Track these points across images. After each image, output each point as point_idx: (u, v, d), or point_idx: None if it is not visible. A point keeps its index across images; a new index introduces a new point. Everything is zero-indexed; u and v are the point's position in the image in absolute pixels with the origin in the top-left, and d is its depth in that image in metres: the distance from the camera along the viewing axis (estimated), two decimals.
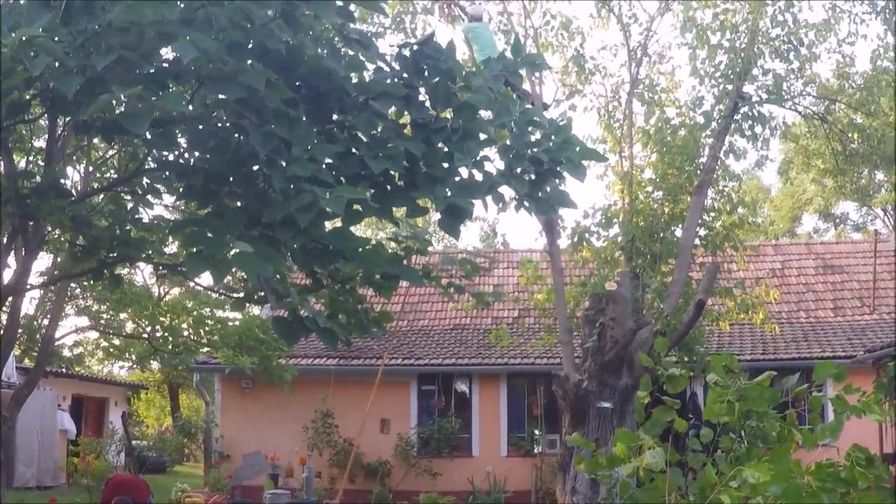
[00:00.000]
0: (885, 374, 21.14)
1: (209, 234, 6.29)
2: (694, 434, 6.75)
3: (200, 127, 6.98)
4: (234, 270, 7.00)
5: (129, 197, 10.05)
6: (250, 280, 7.65)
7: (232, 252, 6.13)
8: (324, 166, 6.64)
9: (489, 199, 7.60)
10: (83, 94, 5.86)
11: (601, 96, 24.52)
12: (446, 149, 7.26)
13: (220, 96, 6.46)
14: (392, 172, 7.13)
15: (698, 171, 22.11)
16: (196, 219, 6.94)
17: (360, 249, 7.12)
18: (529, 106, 20.66)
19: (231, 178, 7.00)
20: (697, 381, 24.88)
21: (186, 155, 7.64)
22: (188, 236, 6.33)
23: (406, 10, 23.48)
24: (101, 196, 11.30)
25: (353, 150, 6.99)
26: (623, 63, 24.81)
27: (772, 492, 5.62)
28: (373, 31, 17.20)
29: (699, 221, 22.34)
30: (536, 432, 31.70)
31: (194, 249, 6.26)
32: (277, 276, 8.42)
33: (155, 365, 47.83)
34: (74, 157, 15.13)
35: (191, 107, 6.84)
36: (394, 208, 7.43)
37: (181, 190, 7.48)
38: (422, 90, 7.49)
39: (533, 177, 7.51)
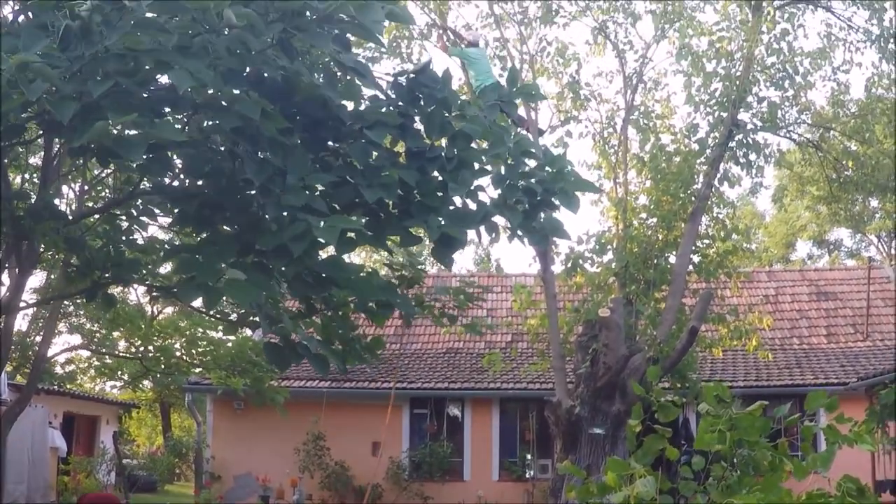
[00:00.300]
0: (878, 401, 21.25)
1: (202, 261, 6.31)
2: (686, 461, 6.76)
3: (195, 152, 6.99)
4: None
5: (123, 217, 10.07)
6: (242, 307, 7.66)
7: (224, 279, 6.15)
8: (318, 194, 6.66)
9: (482, 228, 7.62)
10: (79, 120, 5.88)
11: (596, 122, 24.60)
12: (441, 178, 7.27)
13: (216, 122, 6.48)
14: (386, 201, 7.14)
15: (693, 198, 22.13)
16: (189, 245, 6.95)
17: (353, 278, 7.14)
18: (524, 132, 20.79)
19: (225, 205, 7.01)
20: (690, 407, 24.90)
21: (180, 181, 7.66)
22: (181, 263, 6.35)
23: (402, 35, 23.53)
24: (96, 216, 11.31)
25: (348, 179, 7.00)
26: (618, 90, 24.85)
27: None
28: (369, 55, 17.21)
29: (693, 248, 22.37)
30: (528, 457, 31.65)
31: (187, 276, 6.28)
32: (270, 302, 8.42)
33: (147, 384, 47.72)
34: (70, 177, 15.14)
35: (186, 131, 6.86)
36: (388, 237, 7.44)
37: (175, 215, 7.49)
38: (417, 119, 7.50)
39: (527, 207, 7.52)
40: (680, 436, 26.00)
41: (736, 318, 24.49)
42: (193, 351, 26.15)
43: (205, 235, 7.06)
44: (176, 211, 7.49)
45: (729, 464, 6.53)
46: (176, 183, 7.71)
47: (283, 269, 6.61)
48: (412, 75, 7.64)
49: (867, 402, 25.77)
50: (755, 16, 22.56)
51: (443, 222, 7.16)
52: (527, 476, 31.31)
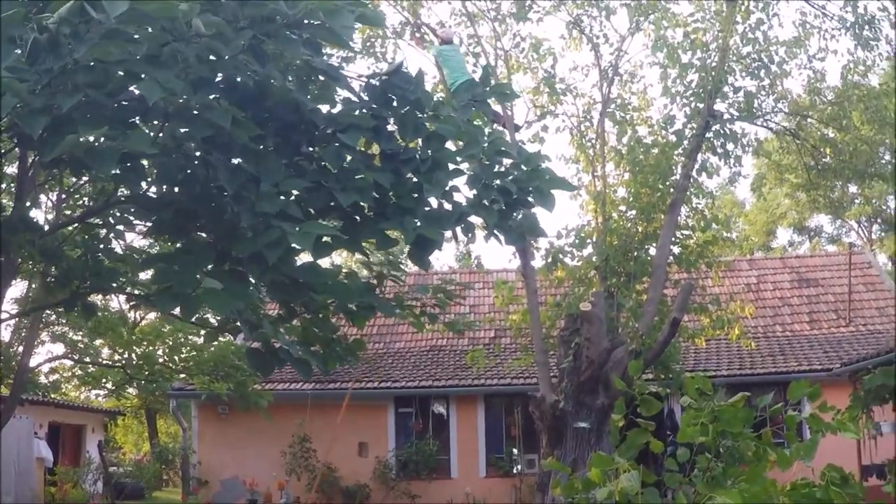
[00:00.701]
0: (862, 386, 21.34)
1: (178, 270, 6.29)
2: (671, 452, 6.76)
3: (168, 160, 6.96)
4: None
5: (101, 226, 10.04)
6: (220, 315, 7.64)
7: (201, 288, 6.13)
8: (292, 200, 6.64)
9: (459, 228, 7.62)
10: (50, 133, 5.86)
11: (573, 116, 24.57)
12: (415, 179, 7.26)
13: (188, 131, 6.46)
14: (361, 204, 7.13)
15: (671, 190, 22.16)
16: (165, 254, 6.94)
17: (330, 283, 7.12)
18: (500, 128, 20.76)
19: (200, 213, 6.99)
20: (675, 397, 24.94)
21: (155, 189, 7.63)
22: (158, 272, 6.34)
23: (376, 34, 23.49)
24: (74, 226, 11.28)
25: (323, 183, 6.98)
26: (594, 83, 24.82)
27: None
28: (343, 55, 17.16)
29: (673, 239, 22.39)
30: (515, 452, 31.66)
31: (164, 286, 6.26)
32: (250, 308, 8.40)
33: (132, 391, 47.60)
34: (47, 186, 15.08)
35: (160, 139, 6.83)
36: (363, 240, 7.43)
37: (151, 224, 7.47)
38: (390, 120, 7.49)
39: (502, 206, 7.52)
40: (665, 427, 26.07)
41: (718, 308, 24.51)
42: (176, 357, 26.12)
43: (180, 244, 7.04)
44: (151, 220, 7.46)
45: (713, 455, 6.53)
46: (153, 190, 7.68)
47: (259, 275, 6.58)
48: (385, 77, 7.62)
49: (851, 387, 25.83)
50: (730, 6, 22.58)
51: (418, 224, 7.15)
52: (514, 472, 31.32)
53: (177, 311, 6.76)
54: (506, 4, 24.42)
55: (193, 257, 6.50)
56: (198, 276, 6.26)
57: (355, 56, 22.69)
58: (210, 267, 6.52)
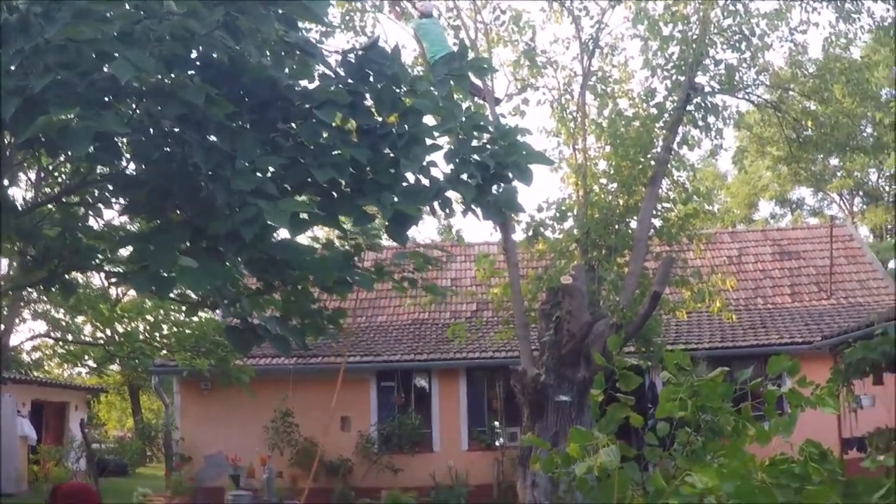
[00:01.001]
0: (843, 360, 21.39)
1: (154, 250, 6.26)
2: (651, 427, 6.75)
3: (143, 139, 6.92)
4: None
5: (79, 204, 9.97)
6: (195, 293, 7.62)
7: (177, 267, 6.10)
8: (268, 176, 6.60)
9: (436, 204, 7.60)
10: (23, 114, 5.81)
11: (554, 89, 24.56)
12: (392, 155, 7.23)
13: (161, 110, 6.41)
14: (339, 180, 7.10)
15: (652, 163, 22.16)
16: (141, 234, 6.90)
17: (308, 259, 7.10)
18: (480, 101, 20.71)
19: (175, 191, 6.95)
20: (656, 370, 25.00)
21: (132, 167, 7.58)
22: (134, 252, 6.30)
23: (355, 8, 23.41)
24: (51, 205, 11.20)
25: (299, 159, 6.94)
26: (575, 56, 24.82)
27: (724, 490, 5.63)
28: (323, 29, 17.07)
29: (654, 212, 22.41)
30: (497, 425, 31.72)
31: (140, 265, 6.23)
32: (229, 283, 8.37)
33: (114, 367, 47.56)
34: (25, 164, 14.99)
35: (135, 117, 6.78)
36: (341, 216, 7.40)
37: (126, 203, 7.43)
38: (367, 96, 7.45)
39: (480, 181, 7.49)
40: (646, 399, 26.11)
41: (699, 281, 24.55)
42: (157, 334, 26.09)
43: (156, 223, 7.00)
44: (127, 199, 7.42)
45: (693, 429, 6.53)
46: (132, 166, 7.63)
47: (236, 253, 6.55)
48: (361, 52, 7.59)
49: (832, 360, 25.92)
50: None
51: (396, 199, 7.12)
52: (496, 445, 31.37)
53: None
54: None
55: (169, 236, 6.46)
56: (173, 254, 6.23)
57: (334, 30, 22.62)
58: (187, 245, 6.48)
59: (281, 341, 8.24)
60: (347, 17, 23.43)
